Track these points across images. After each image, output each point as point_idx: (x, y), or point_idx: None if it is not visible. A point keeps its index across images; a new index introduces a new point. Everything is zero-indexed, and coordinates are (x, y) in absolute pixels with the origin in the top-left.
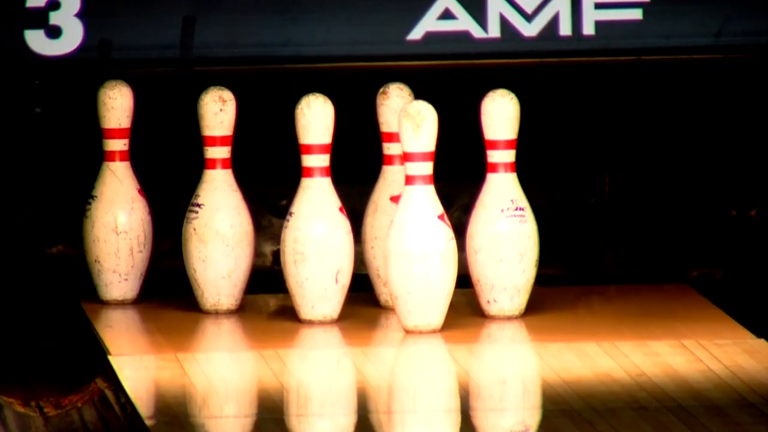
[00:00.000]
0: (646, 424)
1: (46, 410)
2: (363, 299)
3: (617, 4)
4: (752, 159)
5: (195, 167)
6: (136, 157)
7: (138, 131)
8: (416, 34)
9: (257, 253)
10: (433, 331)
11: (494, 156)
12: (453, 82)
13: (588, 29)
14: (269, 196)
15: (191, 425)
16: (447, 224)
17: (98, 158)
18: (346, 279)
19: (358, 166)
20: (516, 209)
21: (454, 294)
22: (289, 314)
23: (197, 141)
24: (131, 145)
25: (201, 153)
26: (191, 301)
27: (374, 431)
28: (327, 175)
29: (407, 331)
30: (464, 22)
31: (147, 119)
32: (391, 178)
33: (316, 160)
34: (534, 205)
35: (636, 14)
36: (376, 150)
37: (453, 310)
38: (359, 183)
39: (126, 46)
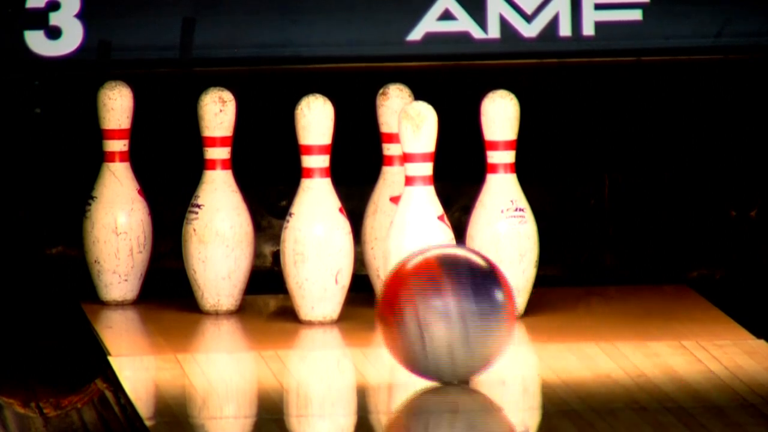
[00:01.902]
0: (646, 425)
1: (45, 411)
2: (363, 300)
3: (617, 5)
4: (752, 159)
5: (195, 168)
6: (136, 158)
7: (138, 132)
8: (416, 34)
9: (257, 254)
10: None
11: (494, 157)
12: (453, 83)
13: (588, 30)
14: (269, 197)
15: (191, 426)
16: (447, 225)
17: (98, 159)
18: (345, 280)
19: (358, 166)
20: (516, 210)
21: None
22: (289, 315)
23: (197, 142)
24: (131, 145)
25: (201, 154)
26: (191, 302)
27: None
28: (327, 176)
29: None
30: (464, 23)
31: (147, 120)
32: (391, 178)
33: (316, 161)
34: (534, 205)
35: (636, 15)
36: (376, 150)
37: None
38: (359, 184)
39: (126, 47)
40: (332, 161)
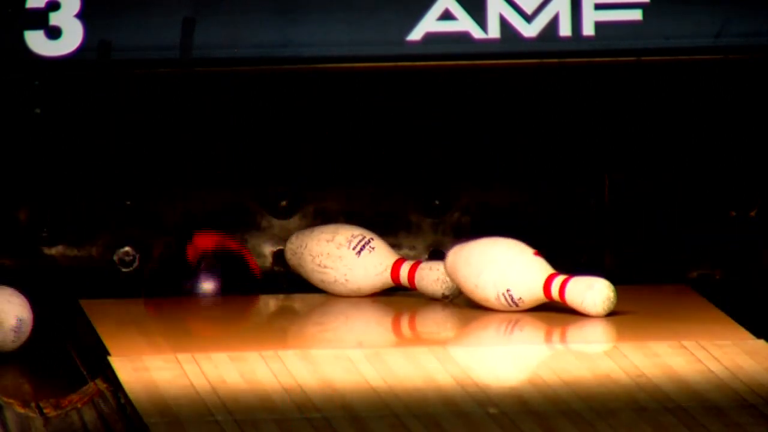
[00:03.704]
0: (645, 425)
1: (45, 411)
2: (363, 299)
3: (617, 5)
4: (752, 159)
5: (195, 168)
6: (136, 158)
7: (138, 131)
8: (416, 34)
9: (257, 254)
10: None
11: None
12: (453, 83)
13: (588, 30)
14: (269, 196)
15: (191, 426)
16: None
17: (98, 159)
18: None
19: (356, 167)
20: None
21: None
22: (289, 315)
23: (197, 141)
24: (130, 144)
25: (201, 154)
26: (191, 302)
27: None
28: None
29: None
30: (464, 23)
31: (147, 120)
32: None
33: None
34: (535, 206)
35: (636, 15)
36: (375, 151)
37: (452, 311)
38: (359, 185)
39: (126, 47)
40: (332, 162)
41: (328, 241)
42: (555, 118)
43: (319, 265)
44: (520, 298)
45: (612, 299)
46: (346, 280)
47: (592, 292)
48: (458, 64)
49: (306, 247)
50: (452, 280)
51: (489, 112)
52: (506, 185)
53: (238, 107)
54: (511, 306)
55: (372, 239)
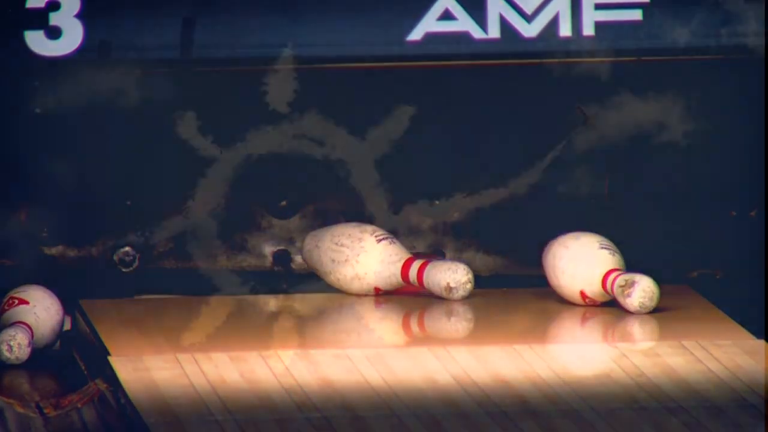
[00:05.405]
0: (646, 425)
1: (45, 411)
2: (363, 299)
3: (617, 5)
4: (752, 159)
5: (194, 168)
6: (136, 157)
7: (138, 131)
8: (416, 34)
9: (257, 254)
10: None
11: None
12: (453, 83)
13: (588, 30)
14: (269, 197)
15: (191, 426)
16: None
17: (97, 158)
18: None
19: (357, 167)
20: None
21: None
22: (289, 315)
23: (197, 141)
24: (132, 141)
25: (200, 154)
26: (191, 302)
27: None
28: None
29: None
30: (464, 23)
31: (147, 120)
32: None
33: None
34: (535, 206)
35: (636, 15)
36: (374, 150)
37: (452, 311)
38: (359, 184)
39: (126, 46)
40: (332, 162)
41: (354, 226)
42: (555, 118)
43: (337, 244)
44: (605, 248)
45: (654, 297)
46: (357, 261)
47: (631, 287)
48: (458, 64)
49: (330, 230)
50: (547, 251)
51: (489, 112)
52: (506, 185)
53: (238, 107)
54: (606, 248)
55: (395, 238)
